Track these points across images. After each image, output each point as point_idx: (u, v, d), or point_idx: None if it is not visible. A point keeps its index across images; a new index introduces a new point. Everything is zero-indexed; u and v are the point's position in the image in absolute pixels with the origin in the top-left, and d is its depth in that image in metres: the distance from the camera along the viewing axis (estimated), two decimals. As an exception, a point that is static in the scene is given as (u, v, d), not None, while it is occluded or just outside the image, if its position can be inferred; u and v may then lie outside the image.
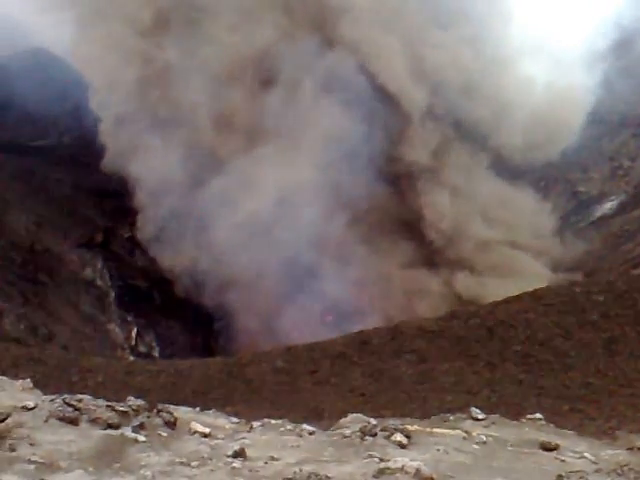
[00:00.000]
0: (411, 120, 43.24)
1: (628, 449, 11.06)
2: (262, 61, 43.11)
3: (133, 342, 40.20)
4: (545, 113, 44.51)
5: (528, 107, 44.30)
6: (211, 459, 8.84)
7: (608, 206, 48.10)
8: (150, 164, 41.63)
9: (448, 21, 43.64)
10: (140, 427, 9.45)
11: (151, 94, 43.08)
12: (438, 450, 9.93)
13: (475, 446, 10.39)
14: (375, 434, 9.88)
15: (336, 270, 40.39)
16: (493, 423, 11.76)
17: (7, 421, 9.07)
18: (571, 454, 10.42)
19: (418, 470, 8.36)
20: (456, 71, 42.63)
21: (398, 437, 9.92)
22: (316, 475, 8.21)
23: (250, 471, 8.61)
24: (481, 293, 40.63)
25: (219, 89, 42.28)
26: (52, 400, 9.74)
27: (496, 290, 38.41)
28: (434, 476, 8.55)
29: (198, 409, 11.63)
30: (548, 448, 10.56)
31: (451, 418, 11.95)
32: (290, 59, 41.83)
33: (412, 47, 43.15)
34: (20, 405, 9.57)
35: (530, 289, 26.56)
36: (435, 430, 10.87)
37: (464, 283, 43.03)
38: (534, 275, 41.15)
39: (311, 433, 10.30)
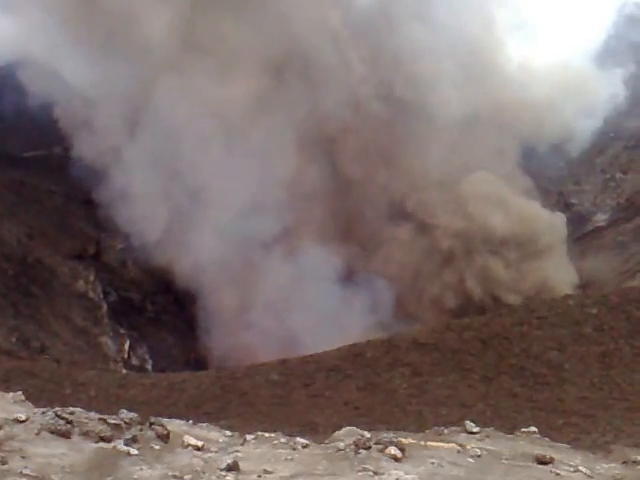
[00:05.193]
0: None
1: (623, 463, 11.04)
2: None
3: (126, 355, 40.02)
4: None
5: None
6: (204, 472, 8.78)
7: (601, 218, 48.35)
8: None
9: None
10: (133, 440, 9.38)
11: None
12: (432, 463, 9.87)
13: (470, 459, 10.34)
14: (369, 447, 9.83)
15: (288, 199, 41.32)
16: (487, 436, 11.73)
17: (-2, 434, 9.01)
18: (566, 468, 10.37)
19: (412, 483, 8.32)
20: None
21: (392, 450, 9.86)
22: (310, 489, 8.16)
23: (243, 484, 8.56)
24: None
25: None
26: (44, 413, 9.68)
27: None
28: (429, 490, 8.50)
29: (191, 422, 11.58)
30: (543, 461, 10.52)
31: (445, 431, 11.91)
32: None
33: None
34: (12, 418, 9.49)
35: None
36: (429, 443, 10.82)
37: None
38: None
39: (305, 446, 10.24)
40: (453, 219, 44.40)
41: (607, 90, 48.32)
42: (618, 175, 49.43)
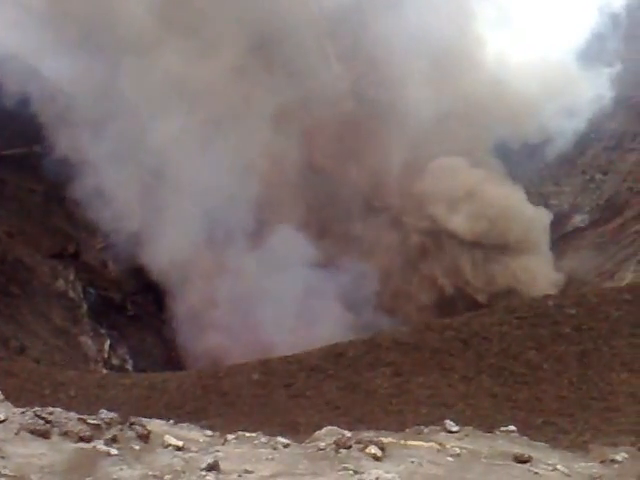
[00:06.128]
0: None
1: (601, 462, 11.12)
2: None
3: (106, 355, 39.78)
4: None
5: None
6: (184, 472, 8.76)
7: (580, 219, 48.61)
8: None
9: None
10: (112, 440, 9.35)
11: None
12: (412, 462, 9.92)
13: (449, 458, 10.40)
14: (350, 447, 9.85)
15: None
16: (467, 435, 11.78)
17: (-23, 434, 8.95)
18: (544, 466, 10.44)
19: (392, 482, 8.35)
20: None
21: (373, 449, 9.90)
22: (290, 488, 8.17)
23: (224, 484, 8.56)
24: None
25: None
26: (23, 413, 9.61)
27: None
28: (409, 488, 8.54)
29: (172, 422, 11.54)
30: (521, 460, 10.59)
31: (425, 431, 11.95)
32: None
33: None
34: (-10, 418, 9.44)
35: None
36: (409, 442, 10.86)
37: None
38: None
39: (286, 446, 10.25)
40: (418, 219, 44.62)
41: (588, 90, 48.49)
42: (598, 176, 49.67)
